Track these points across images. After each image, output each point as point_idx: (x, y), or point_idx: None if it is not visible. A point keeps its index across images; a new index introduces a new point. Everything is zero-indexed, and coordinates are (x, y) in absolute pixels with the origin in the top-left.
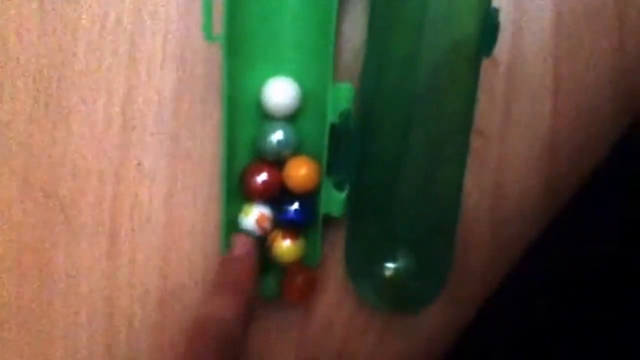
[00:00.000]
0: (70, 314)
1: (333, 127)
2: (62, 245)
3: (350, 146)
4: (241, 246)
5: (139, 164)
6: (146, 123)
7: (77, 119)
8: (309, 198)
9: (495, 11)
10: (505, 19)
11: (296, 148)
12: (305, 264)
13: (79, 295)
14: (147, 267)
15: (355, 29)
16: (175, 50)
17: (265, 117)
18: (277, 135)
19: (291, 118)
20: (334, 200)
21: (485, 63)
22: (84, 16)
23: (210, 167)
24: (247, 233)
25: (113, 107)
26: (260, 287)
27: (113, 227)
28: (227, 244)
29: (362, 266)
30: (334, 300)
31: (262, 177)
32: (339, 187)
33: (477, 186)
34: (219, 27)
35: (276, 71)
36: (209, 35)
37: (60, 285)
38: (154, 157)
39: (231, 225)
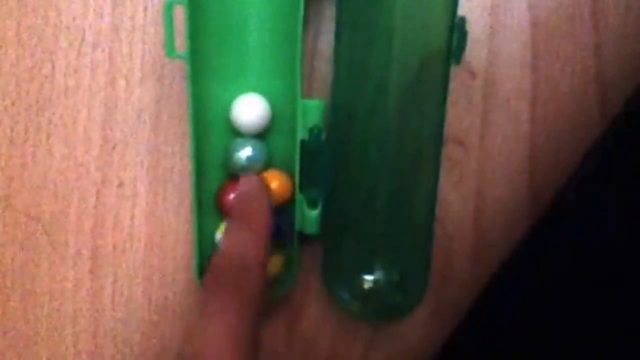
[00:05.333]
0: (55, 334)
1: (303, 144)
2: (45, 266)
3: (321, 162)
4: (246, 183)
5: (120, 185)
6: (126, 142)
7: (57, 140)
8: (284, 213)
9: (462, 20)
10: (481, 29)
11: (266, 164)
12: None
13: (63, 315)
14: (130, 286)
15: (329, 44)
16: (154, 68)
17: (236, 134)
18: (246, 152)
19: (261, 134)
20: (307, 217)
21: (463, 73)
22: (61, 37)
23: (190, 185)
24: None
25: (93, 127)
26: None
27: (95, 247)
28: (201, 262)
29: (340, 279)
30: (318, 313)
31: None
32: (311, 204)
33: (458, 195)
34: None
35: (245, 88)
36: (170, 51)
37: (44, 306)
38: (135, 176)
39: (206, 243)
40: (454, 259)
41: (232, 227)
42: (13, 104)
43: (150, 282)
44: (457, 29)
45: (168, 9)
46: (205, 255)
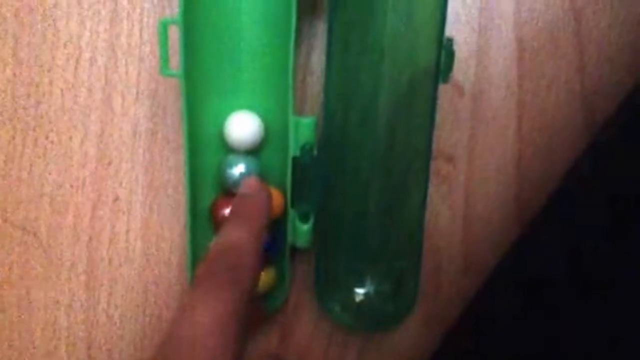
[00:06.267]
0: (51, 347)
1: (295, 161)
2: (41, 280)
3: (313, 179)
4: (248, 186)
5: (115, 199)
6: (121, 157)
7: (53, 155)
8: (276, 228)
9: (450, 41)
10: (469, 49)
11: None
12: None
13: (58, 328)
14: (125, 300)
15: (322, 61)
16: (149, 85)
17: (229, 150)
18: (239, 168)
19: (254, 150)
20: (299, 232)
21: (451, 90)
22: (58, 55)
23: (185, 200)
24: None
25: (89, 143)
26: None
27: (91, 261)
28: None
29: (332, 291)
30: (310, 324)
31: (228, 210)
32: (303, 218)
33: (447, 208)
34: (177, 61)
35: (238, 105)
36: (165, 70)
37: (40, 319)
38: (130, 190)
39: (200, 257)
40: (444, 271)
41: (230, 222)
42: (10, 119)
43: (145, 295)
44: (444, 49)
45: (163, 29)
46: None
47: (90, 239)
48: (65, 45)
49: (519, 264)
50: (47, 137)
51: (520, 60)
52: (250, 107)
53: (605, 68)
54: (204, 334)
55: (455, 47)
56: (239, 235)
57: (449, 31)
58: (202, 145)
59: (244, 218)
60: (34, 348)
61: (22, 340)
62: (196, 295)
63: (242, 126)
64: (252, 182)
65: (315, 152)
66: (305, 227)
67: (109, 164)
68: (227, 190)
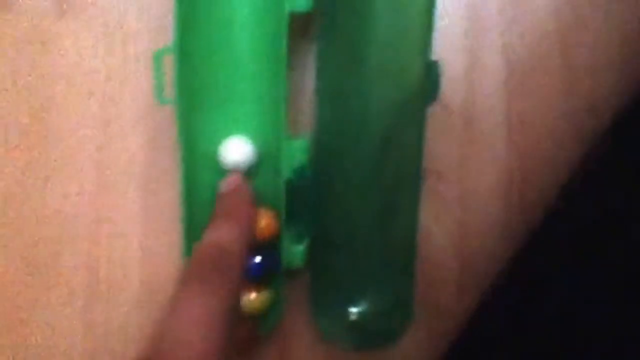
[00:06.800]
0: None
1: (289, 183)
2: (39, 305)
3: (306, 200)
4: (230, 183)
5: (113, 224)
6: (119, 181)
7: (52, 181)
8: (271, 249)
9: (436, 63)
10: (459, 69)
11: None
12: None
13: (56, 353)
14: (123, 324)
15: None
16: (145, 112)
17: (224, 173)
18: None
19: (249, 173)
20: (293, 252)
21: (442, 109)
22: (56, 84)
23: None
24: None
25: (86, 169)
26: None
27: (89, 286)
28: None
29: (327, 311)
30: (306, 344)
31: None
32: (297, 239)
33: (440, 225)
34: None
35: (232, 129)
36: (160, 98)
37: (38, 345)
38: (128, 214)
39: None
40: (439, 288)
41: (215, 221)
42: (7, 150)
43: (144, 319)
44: (432, 70)
45: (157, 59)
46: None
47: (88, 263)
48: (60, 74)
49: (514, 281)
50: (46, 164)
51: (508, 80)
52: (244, 130)
53: (591, 86)
54: (191, 332)
55: (445, 67)
56: (224, 234)
57: (439, 51)
58: (197, 169)
59: (228, 216)
60: None
61: None
62: (183, 295)
63: (236, 150)
64: (233, 178)
65: (308, 173)
66: (300, 248)
67: (106, 188)
68: None
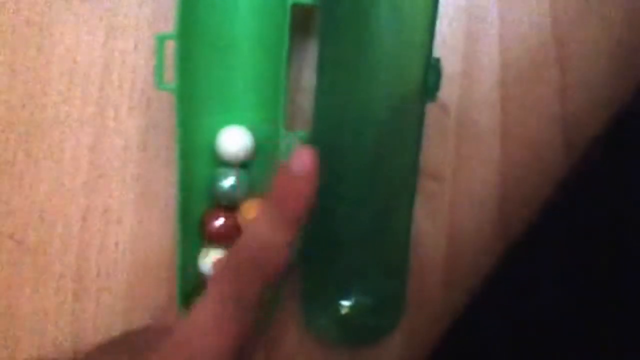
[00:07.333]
0: (36, 355)
1: None
2: (28, 289)
3: None
4: (301, 162)
5: (105, 211)
6: (113, 169)
7: (45, 166)
8: None
9: (437, 60)
10: (455, 71)
11: (248, 193)
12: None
13: (45, 337)
14: (112, 311)
15: (313, 79)
16: (142, 99)
17: (220, 163)
18: (229, 181)
19: (245, 164)
20: None
21: (437, 111)
22: (53, 67)
23: (175, 213)
24: (205, 276)
25: (81, 155)
26: None
27: (79, 272)
28: (184, 287)
29: (317, 305)
30: (295, 339)
31: (219, 222)
32: None
33: (432, 225)
34: (172, 75)
35: (230, 119)
36: (160, 83)
37: (27, 327)
38: (120, 203)
39: (189, 269)
40: (428, 286)
41: (266, 212)
42: (3, 130)
43: (133, 307)
44: (432, 69)
45: (160, 43)
46: (189, 280)
47: (79, 249)
48: (60, 58)
49: (503, 281)
50: (39, 148)
51: (503, 83)
52: (242, 122)
53: (585, 92)
54: (217, 321)
55: (442, 69)
56: (272, 230)
57: (435, 53)
58: (193, 158)
59: (282, 208)
60: (21, 354)
61: (7, 350)
62: (218, 288)
63: (233, 141)
64: (308, 157)
65: None
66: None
67: (100, 175)
68: (217, 202)
